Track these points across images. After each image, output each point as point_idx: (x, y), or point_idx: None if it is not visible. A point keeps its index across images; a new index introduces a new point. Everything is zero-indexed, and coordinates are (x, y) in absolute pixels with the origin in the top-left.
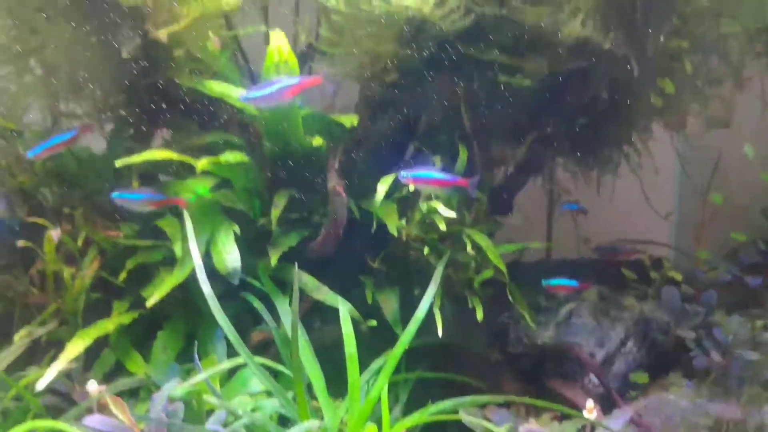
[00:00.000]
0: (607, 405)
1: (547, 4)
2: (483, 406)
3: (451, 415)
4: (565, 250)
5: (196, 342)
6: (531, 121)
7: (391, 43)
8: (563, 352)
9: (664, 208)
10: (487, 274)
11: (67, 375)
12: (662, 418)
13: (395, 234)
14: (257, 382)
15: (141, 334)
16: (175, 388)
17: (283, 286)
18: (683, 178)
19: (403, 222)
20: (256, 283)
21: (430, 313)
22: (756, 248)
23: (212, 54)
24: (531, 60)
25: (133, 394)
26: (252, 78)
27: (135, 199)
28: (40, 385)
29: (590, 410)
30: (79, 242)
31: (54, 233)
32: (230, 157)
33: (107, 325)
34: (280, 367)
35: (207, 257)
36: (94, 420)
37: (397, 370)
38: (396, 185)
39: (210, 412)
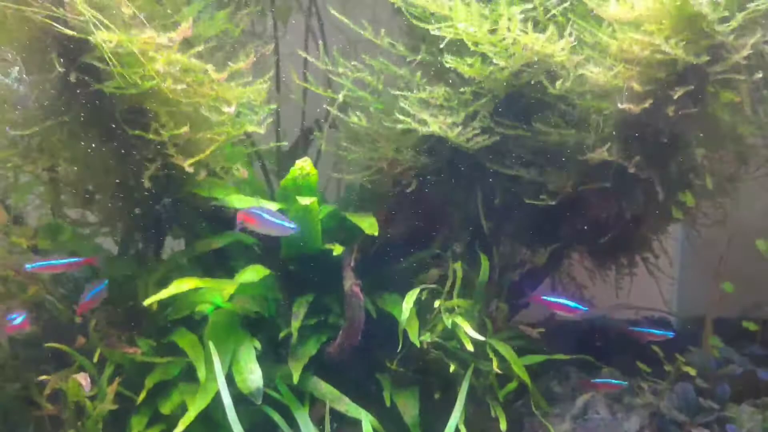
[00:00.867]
0: None
1: (572, 126)
2: None
3: None
4: None
5: None
6: (552, 229)
7: (410, 152)
8: None
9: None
10: (512, 386)
11: None
12: None
13: (417, 344)
14: None
15: None
16: None
17: (301, 395)
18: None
19: (427, 335)
20: (276, 395)
21: None
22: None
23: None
24: (554, 175)
25: None
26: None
27: (51, 265)
28: None
29: None
30: (95, 358)
31: (83, 380)
32: (252, 276)
33: None
34: None
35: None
36: None
37: None
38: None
39: None
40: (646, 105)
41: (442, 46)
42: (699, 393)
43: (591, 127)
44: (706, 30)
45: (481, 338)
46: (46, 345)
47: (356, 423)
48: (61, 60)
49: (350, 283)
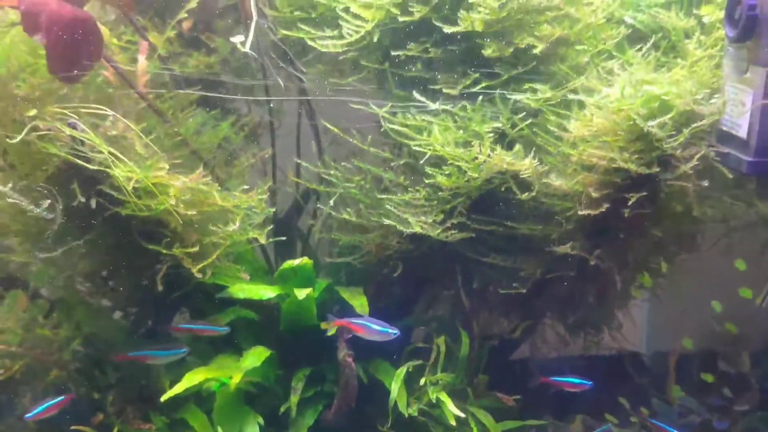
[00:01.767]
0: None
1: (539, 222)
2: None
3: None
4: None
5: None
6: (526, 304)
7: (395, 239)
8: None
9: None
10: None
11: None
12: None
13: (406, 414)
14: None
15: None
16: None
17: None
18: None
19: (414, 408)
20: None
21: None
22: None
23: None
24: (524, 263)
25: None
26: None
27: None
28: None
29: None
30: None
31: None
32: (255, 360)
33: None
34: None
35: None
36: None
37: None
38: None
39: None
40: (603, 209)
41: (422, 161)
42: None
43: (556, 224)
44: (655, 144)
45: (462, 414)
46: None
47: None
48: (82, 189)
49: (344, 353)
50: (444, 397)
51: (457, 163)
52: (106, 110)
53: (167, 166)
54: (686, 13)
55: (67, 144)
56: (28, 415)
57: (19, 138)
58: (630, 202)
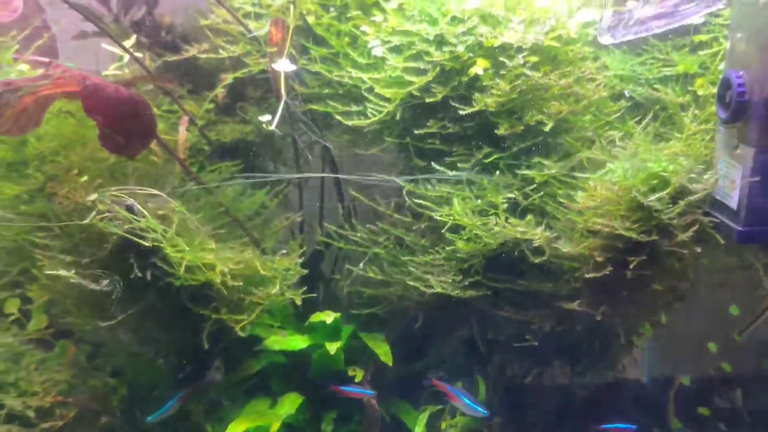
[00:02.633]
0: None
1: (549, 280)
2: None
3: None
4: None
5: None
6: (537, 352)
7: (415, 293)
8: None
9: None
10: None
11: None
12: None
13: None
14: None
15: None
16: None
17: None
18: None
19: None
20: None
21: None
22: None
23: None
24: (536, 317)
25: None
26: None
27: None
28: None
29: None
30: None
31: None
32: (290, 408)
33: None
34: None
35: None
36: None
37: None
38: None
39: None
40: (607, 271)
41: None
42: None
43: (564, 282)
44: (654, 214)
45: None
46: None
47: None
48: (137, 262)
49: (368, 396)
50: None
51: (474, 230)
52: (159, 193)
53: (214, 246)
54: (682, 87)
55: (124, 223)
56: None
57: (87, 221)
58: (632, 266)
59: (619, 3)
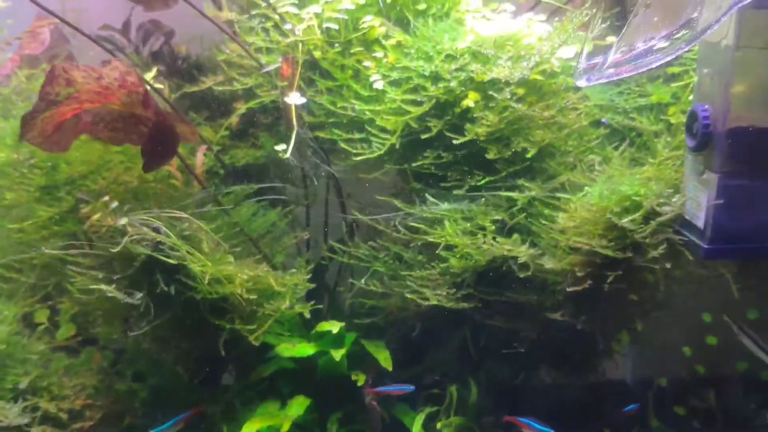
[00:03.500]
0: None
1: (534, 293)
2: None
3: None
4: None
5: None
6: (526, 356)
7: (413, 304)
8: None
9: None
10: None
11: None
12: None
13: None
14: None
15: None
16: None
17: None
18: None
19: None
20: None
21: None
22: None
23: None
24: (523, 326)
25: None
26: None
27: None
28: None
29: None
30: None
31: None
32: (299, 409)
33: None
34: None
35: None
36: None
37: None
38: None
39: None
40: (587, 285)
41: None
42: None
43: (548, 294)
44: (628, 234)
45: None
46: None
47: None
48: (163, 278)
49: (369, 398)
50: None
51: (465, 248)
52: (183, 215)
53: (233, 259)
54: (656, 116)
55: (151, 243)
56: None
57: (120, 246)
58: (609, 280)
59: (600, 38)
